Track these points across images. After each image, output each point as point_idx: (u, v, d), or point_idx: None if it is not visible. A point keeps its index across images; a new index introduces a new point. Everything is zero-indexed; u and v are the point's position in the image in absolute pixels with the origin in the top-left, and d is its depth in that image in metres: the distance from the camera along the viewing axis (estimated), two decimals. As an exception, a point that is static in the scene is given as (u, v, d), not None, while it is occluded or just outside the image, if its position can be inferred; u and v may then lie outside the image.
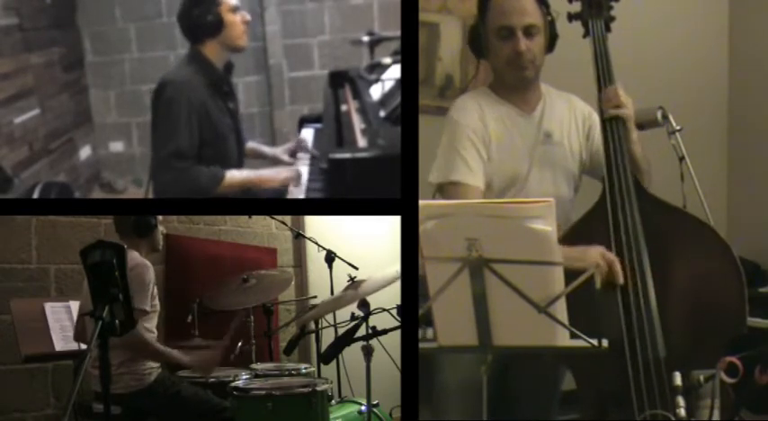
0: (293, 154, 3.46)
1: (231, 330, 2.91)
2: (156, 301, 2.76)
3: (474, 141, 2.36)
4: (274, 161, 3.43)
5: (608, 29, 2.44)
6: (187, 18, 2.99)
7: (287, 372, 3.09)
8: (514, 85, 2.42)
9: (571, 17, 2.48)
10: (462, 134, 2.36)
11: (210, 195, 2.89)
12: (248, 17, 3.06)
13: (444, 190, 2.37)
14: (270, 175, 3.06)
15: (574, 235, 2.28)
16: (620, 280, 2.18)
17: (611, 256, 2.18)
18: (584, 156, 2.50)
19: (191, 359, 2.79)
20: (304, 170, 3.11)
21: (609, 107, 2.34)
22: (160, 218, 2.91)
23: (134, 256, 2.69)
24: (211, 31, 2.97)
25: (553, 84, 2.54)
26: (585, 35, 2.45)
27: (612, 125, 2.34)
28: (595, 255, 2.16)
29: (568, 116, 2.49)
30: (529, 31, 2.34)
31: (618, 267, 2.17)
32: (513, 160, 2.40)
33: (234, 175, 2.95)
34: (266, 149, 3.54)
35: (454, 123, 2.39)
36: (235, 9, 3.01)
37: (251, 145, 3.48)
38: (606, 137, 2.35)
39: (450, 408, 2.44)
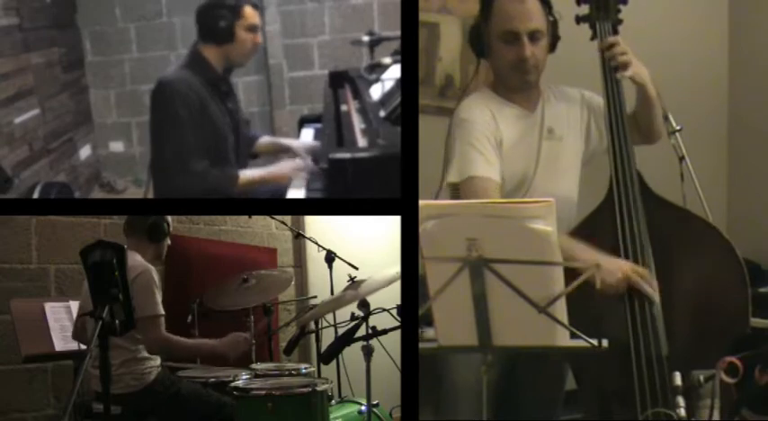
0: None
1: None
2: None
3: (488, 137, 2.34)
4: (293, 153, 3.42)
5: (615, 31, 2.44)
6: (204, 15, 2.97)
7: (287, 372, 3.08)
8: (517, 87, 2.42)
9: (579, 19, 2.47)
10: (476, 130, 2.34)
11: (227, 197, 2.90)
12: (260, 40, 3.04)
13: (465, 186, 2.32)
14: (280, 170, 3.06)
15: (579, 233, 2.28)
16: (657, 298, 2.18)
17: (644, 271, 2.18)
18: (589, 137, 2.50)
19: (221, 342, 2.83)
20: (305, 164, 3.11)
21: (605, 47, 2.36)
22: (172, 228, 2.91)
23: (138, 261, 2.68)
24: (218, 39, 2.96)
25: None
26: (593, 38, 2.45)
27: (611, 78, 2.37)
28: (626, 270, 2.16)
29: (566, 107, 2.48)
30: (534, 36, 2.32)
31: (654, 284, 2.17)
32: (522, 161, 2.39)
33: (247, 175, 2.97)
34: (285, 141, 3.52)
35: (465, 122, 2.37)
36: (252, 28, 2.99)
37: (267, 139, 3.45)
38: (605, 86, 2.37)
39: (458, 408, 2.44)
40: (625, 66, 2.35)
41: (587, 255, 2.13)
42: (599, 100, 2.45)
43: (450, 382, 2.46)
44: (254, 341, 3.24)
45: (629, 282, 2.16)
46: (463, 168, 2.33)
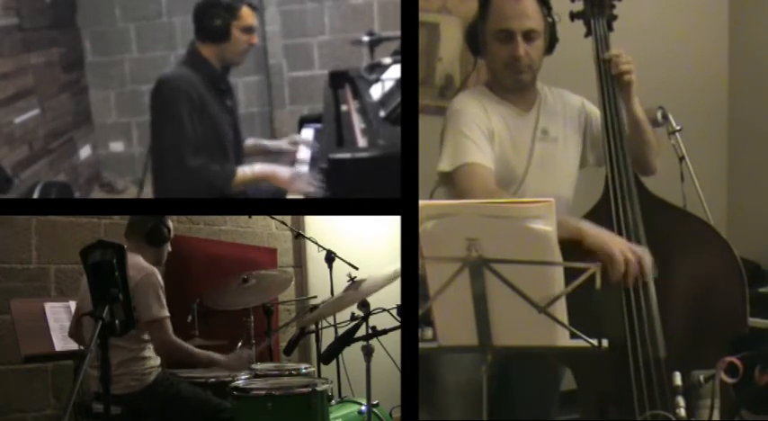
0: (294, 143, 3.49)
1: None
2: None
3: (479, 126, 2.34)
4: (278, 154, 3.44)
5: (610, 28, 2.44)
6: (201, 13, 2.99)
7: (287, 372, 3.08)
8: (511, 86, 2.42)
9: (573, 16, 2.47)
10: (468, 119, 2.34)
11: (223, 193, 2.90)
12: (256, 40, 3.08)
13: (458, 175, 2.32)
14: (280, 173, 3.05)
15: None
16: (652, 273, 2.17)
17: (640, 251, 2.15)
18: (583, 146, 2.50)
19: (227, 358, 2.86)
20: (304, 170, 3.10)
21: (615, 60, 2.34)
22: (173, 233, 2.90)
23: (142, 263, 2.69)
24: (214, 38, 2.99)
25: (554, 84, 2.54)
26: (588, 34, 2.45)
27: (609, 85, 2.35)
28: (623, 247, 2.14)
29: (563, 110, 2.48)
30: (529, 36, 2.33)
31: (648, 260, 2.15)
32: (513, 159, 2.39)
33: (245, 172, 2.96)
34: (268, 143, 3.55)
35: (458, 112, 2.37)
36: (248, 29, 3.02)
37: (251, 141, 3.47)
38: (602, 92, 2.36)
39: (451, 409, 2.44)
40: (627, 73, 2.35)
41: (595, 231, 2.14)
42: (598, 113, 2.45)
43: (442, 383, 2.46)
44: (253, 341, 3.25)
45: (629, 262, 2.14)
46: (456, 156, 2.33)
